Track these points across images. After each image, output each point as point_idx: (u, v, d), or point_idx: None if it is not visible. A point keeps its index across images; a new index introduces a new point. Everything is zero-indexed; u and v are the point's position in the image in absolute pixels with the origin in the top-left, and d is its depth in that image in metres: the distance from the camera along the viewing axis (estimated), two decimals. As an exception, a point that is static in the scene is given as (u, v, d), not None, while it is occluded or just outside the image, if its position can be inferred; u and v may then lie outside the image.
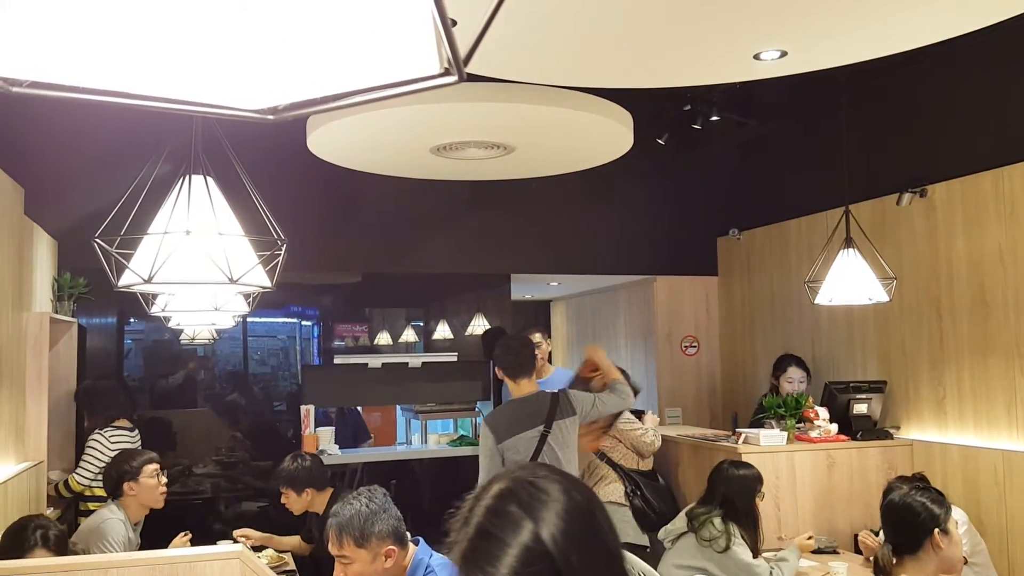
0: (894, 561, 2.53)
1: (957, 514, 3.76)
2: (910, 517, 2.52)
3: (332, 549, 2.43)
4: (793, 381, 5.21)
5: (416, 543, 2.54)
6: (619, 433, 4.60)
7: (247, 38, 0.69)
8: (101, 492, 4.25)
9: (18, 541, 2.90)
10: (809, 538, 3.79)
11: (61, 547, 3.03)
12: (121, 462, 3.77)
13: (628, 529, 4.44)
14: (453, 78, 0.70)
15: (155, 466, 3.76)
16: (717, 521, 3.52)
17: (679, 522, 3.71)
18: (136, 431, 4.64)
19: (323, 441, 5.77)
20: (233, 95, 0.77)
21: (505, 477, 1.06)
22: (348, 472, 6.04)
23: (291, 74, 0.74)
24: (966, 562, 3.68)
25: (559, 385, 5.07)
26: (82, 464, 4.43)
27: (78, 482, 4.37)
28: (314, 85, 0.76)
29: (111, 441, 4.44)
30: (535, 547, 0.95)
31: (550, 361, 5.33)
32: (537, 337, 5.13)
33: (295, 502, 3.87)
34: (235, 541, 3.78)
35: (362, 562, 2.38)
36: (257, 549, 3.92)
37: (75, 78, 0.72)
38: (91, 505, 4.29)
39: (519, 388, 4.03)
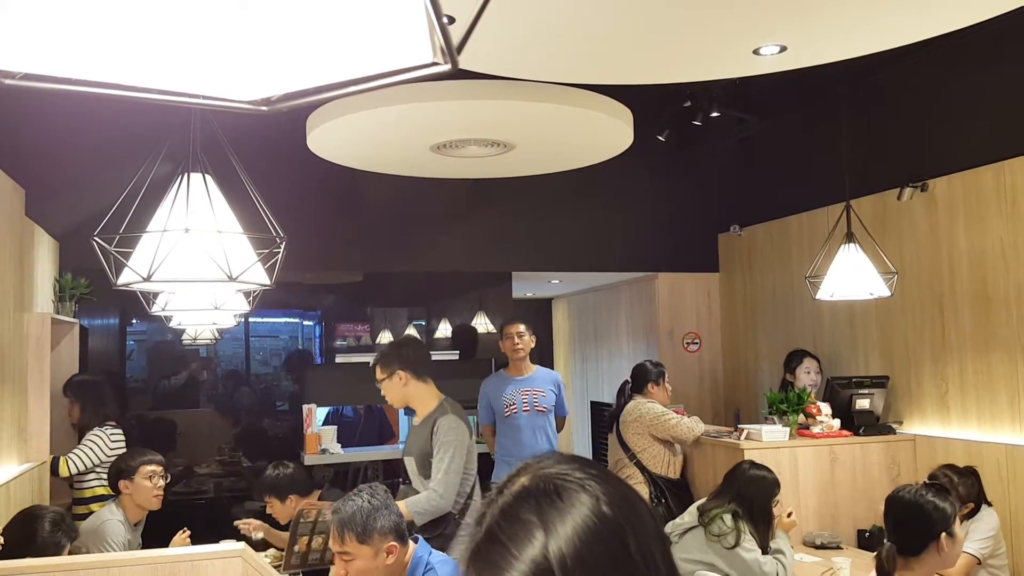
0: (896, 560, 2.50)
1: (991, 518, 3.76)
2: (919, 518, 2.46)
3: (333, 546, 2.43)
4: (811, 371, 5.22)
5: (415, 541, 2.55)
6: (654, 429, 4.62)
7: (241, 29, 0.69)
8: (103, 491, 4.26)
9: (31, 531, 2.95)
10: (789, 515, 3.79)
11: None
12: (122, 459, 3.79)
13: None
14: (446, 66, 0.70)
15: (153, 468, 3.71)
16: (728, 518, 3.51)
17: (688, 516, 3.71)
18: (121, 431, 4.59)
19: (325, 440, 5.78)
20: (226, 86, 0.77)
21: (532, 470, 0.88)
22: (351, 471, 6.05)
23: (284, 65, 0.74)
24: (980, 563, 3.66)
25: (545, 385, 5.01)
26: (79, 452, 4.30)
27: (69, 469, 4.25)
28: (307, 76, 0.76)
29: (111, 440, 4.42)
30: (542, 566, 0.79)
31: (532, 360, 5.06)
32: (520, 328, 4.97)
33: (280, 510, 3.80)
34: (239, 532, 3.78)
35: (364, 558, 2.39)
36: (261, 548, 3.92)
37: (68, 70, 0.72)
38: (93, 506, 4.28)
39: (430, 388, 3.69)
